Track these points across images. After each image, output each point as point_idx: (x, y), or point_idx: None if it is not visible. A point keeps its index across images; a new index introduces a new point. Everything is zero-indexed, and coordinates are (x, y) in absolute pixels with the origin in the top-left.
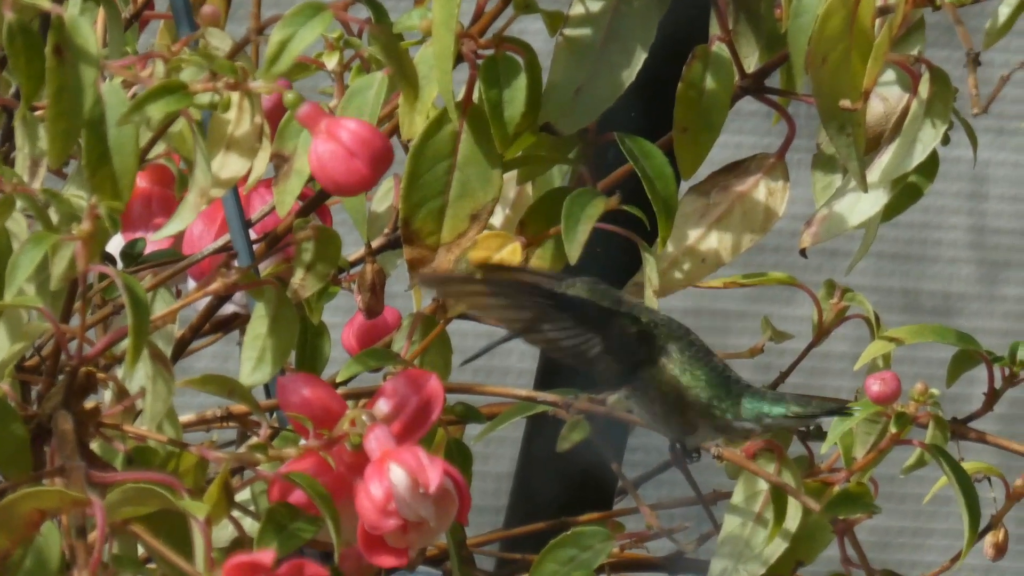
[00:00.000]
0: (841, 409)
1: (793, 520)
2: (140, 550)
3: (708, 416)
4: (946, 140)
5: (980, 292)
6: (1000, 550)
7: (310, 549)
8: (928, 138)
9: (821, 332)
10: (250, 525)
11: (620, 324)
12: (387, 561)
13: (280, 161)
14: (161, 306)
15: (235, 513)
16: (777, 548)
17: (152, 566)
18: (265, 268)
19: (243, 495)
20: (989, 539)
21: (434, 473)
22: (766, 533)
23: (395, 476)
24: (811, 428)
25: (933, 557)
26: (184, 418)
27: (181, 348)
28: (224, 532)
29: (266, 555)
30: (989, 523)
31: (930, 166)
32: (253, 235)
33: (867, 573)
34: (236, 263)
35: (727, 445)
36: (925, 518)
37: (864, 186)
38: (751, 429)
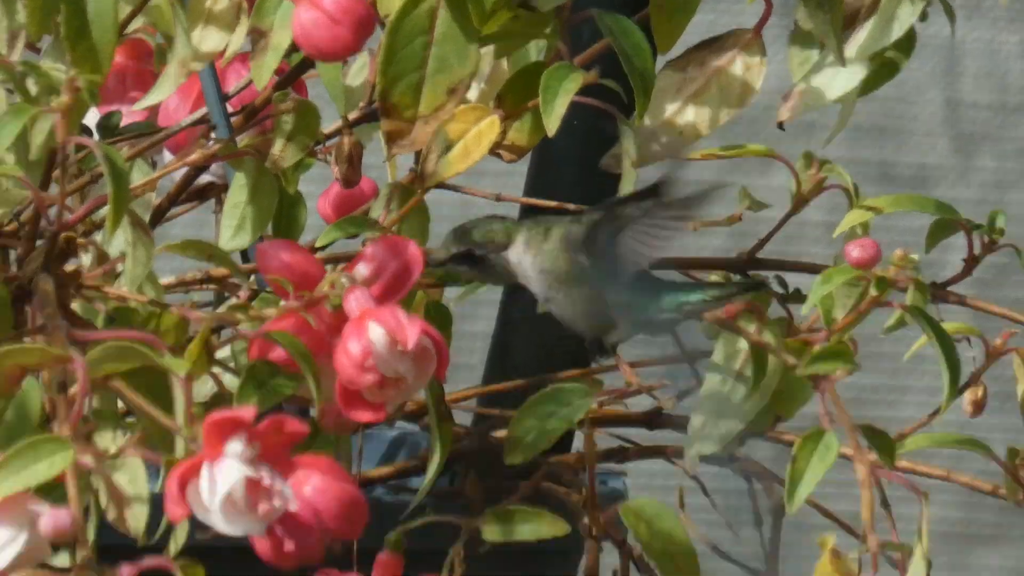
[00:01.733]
0: (759, 284)
1: (773, 377)
2: (121, 405)
3: (628, 313)
4: (924, 16)
5: (955, 164)
6: (979, 407)
7: (289, 405)
8: (906, 15)
9: (799, 201)
10: (230, 381)
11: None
12: (365, 416)
13: (257, 36)
14: (138, 176)
15: (215, 370)
16: (757, 404)
17: (132, 420)
18: (242, 140)
19: (223, 353)
20: (968, 396)
21: (412, 331)
22: (746, 390)
23: (373, 333)
24: (789, 292)
25: (910, 413)
26: (163, 281)
27: (158, 216)
28: (204, 387)
29: (247, 411)
30: (968, 380)
31: (907, 42)
32: (229, 108)
33: (847, 427)
34: (214, 135)
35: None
36: (903, 375)
37: (842, 61)
38: (672, 319)
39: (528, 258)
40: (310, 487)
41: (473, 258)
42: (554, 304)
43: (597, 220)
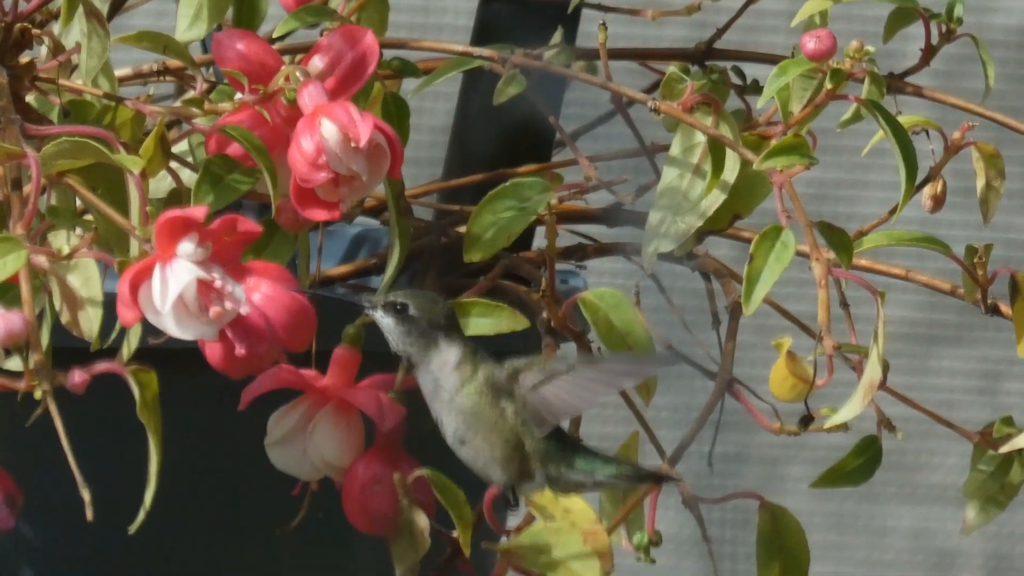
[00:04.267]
0: (662, 476)
1: (731, 172)
2: (77, 203)
3: (544, 466)
4: None
5: None
6: (938, 202)
7: (247, 202)
8: None
9: None
10: (188, 177)
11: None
12: (319, 215)
13: None
14: None
15: (173, 165)
16: (715, 200)
17: (89, 218)
18: None
19: (180, 147)
20: (927, 191)
21: (364, 128)
22: (704, 185)
23: (326, 130)
24: (747, 83)
25: (872, 209)
26: (120, 72)
27: (117, 6)
28: (164, 183)
29: (198, 210)
30: (927, 175)
31: None
32: None
33: (804, 224)
34: None
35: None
36: (863, 170)
37: None
38: (582, 482)
39: (450, 382)
40: (260, 294)
41: (406, 315)
42: (468, 448)
43: (521, 368)
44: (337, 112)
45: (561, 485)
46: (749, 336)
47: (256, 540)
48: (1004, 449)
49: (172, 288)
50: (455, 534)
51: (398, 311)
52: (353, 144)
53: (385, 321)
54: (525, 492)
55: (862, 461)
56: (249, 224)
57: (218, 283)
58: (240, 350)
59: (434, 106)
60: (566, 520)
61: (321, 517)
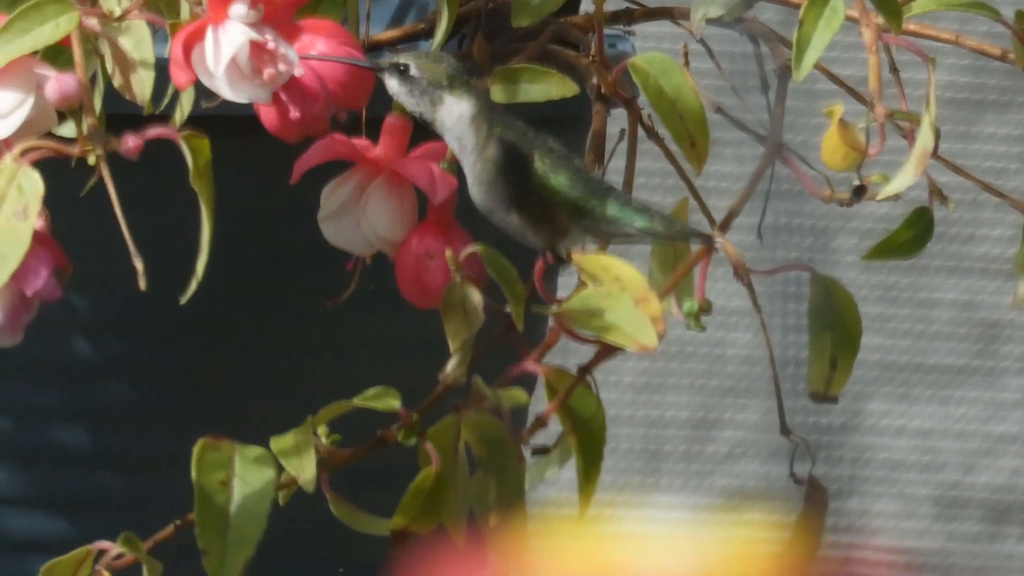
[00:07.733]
0: (700, 236)
1: None
2: None
3: (578, 217)
4: None
5: None
6: None
7: None
8: None
9: None
10: None
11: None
12: None
13: None
14: None
15: None
16: None
17: None
18: None
19: None
20: None
21: None
22: None
23: None
24: None
25: None
26: None
27: None
28: None
29: None
30: None
31: None
32: None
33: None
34: None
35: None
36: None
37: None
38: (616, 232)
39: (470, 140)
40: (315, 52)
41: (408, 75)
42: (496, 216)
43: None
44: None
45: (596, 233)
46: (798, 100)
47: (309, 314)
48: None
49: (225, 50)
50: (508, 308)
51: (401, 72)
52: None
53: (391, 83)
54: (568, 246)
55: (914, 233)
56: None
57: (271, 45)
58: (294, 113)
59: None
60: (617, 286)
61: (372, 289)
